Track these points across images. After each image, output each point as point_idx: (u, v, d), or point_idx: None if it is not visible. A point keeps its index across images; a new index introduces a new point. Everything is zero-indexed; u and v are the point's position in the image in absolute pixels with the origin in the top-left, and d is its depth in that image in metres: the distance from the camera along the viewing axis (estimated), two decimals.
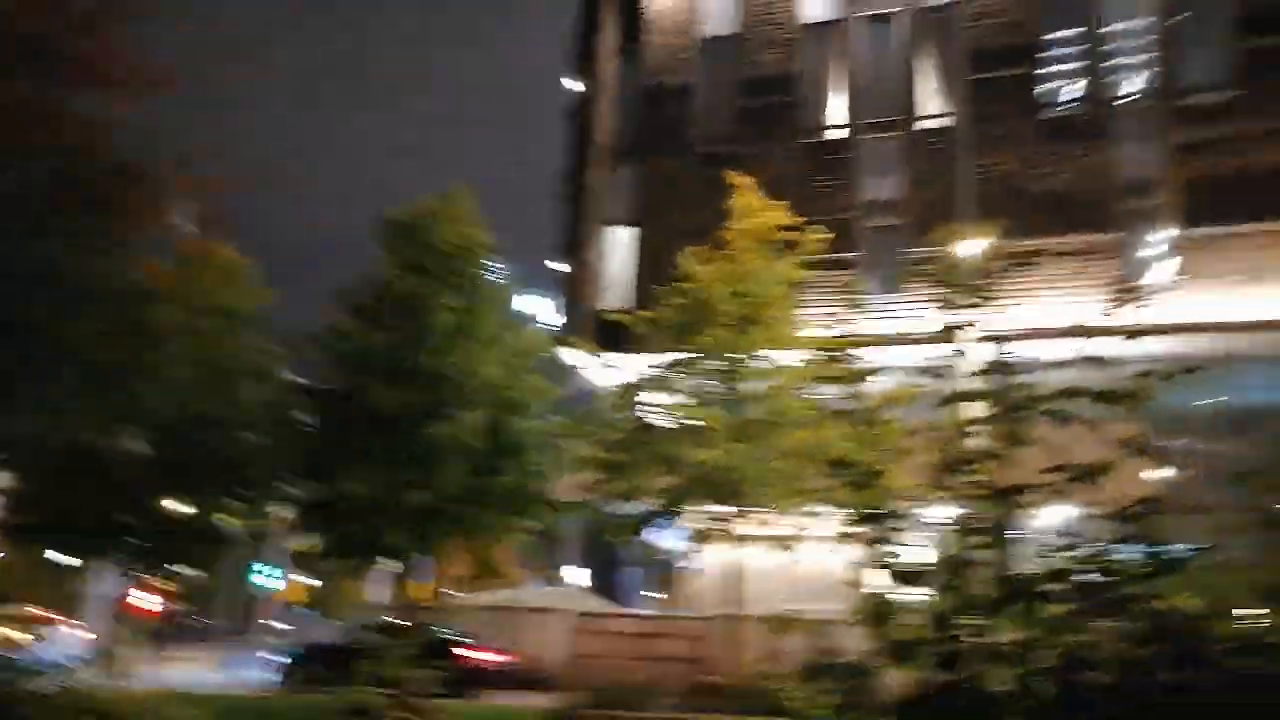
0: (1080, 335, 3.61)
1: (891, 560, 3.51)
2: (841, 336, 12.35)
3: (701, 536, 12.47)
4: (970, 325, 4.29)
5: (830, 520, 12.22)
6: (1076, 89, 25.78)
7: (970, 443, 3.95)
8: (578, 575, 47.08)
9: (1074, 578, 3.32)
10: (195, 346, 14.51)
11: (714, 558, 12.42)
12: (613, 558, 31.28)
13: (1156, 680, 3.02)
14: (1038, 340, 11.97)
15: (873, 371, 4.19)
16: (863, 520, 3.63)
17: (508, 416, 12.43)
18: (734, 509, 12.13)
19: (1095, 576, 3.32)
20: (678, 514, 12.32)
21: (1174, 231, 23.35)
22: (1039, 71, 26.10)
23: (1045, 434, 3.73)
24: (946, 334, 4.30)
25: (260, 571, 43.31)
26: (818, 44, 28.45)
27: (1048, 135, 26.10)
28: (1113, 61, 24.97)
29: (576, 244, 30.75)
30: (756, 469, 11.13)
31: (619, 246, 30.71)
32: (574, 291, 29.53)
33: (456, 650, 17.30)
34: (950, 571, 3.42)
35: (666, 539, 14.88)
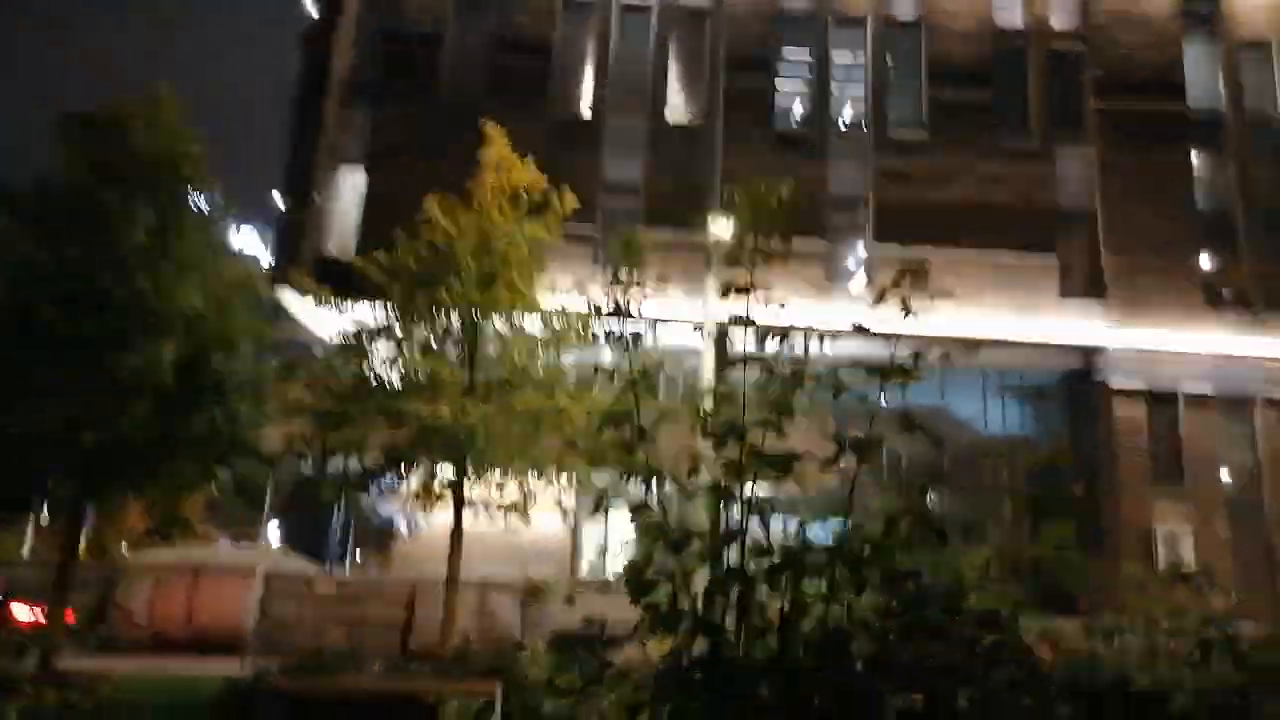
0: (794, 332, 3.58)
1: (658, 526, 3.27)
2: (585, 311, 12.29)
3: (421, 498, 11.83)
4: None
5: (557, 487, 12.16)
6: (803, 109, 27.97)
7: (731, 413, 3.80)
8: (279, 534, 44.04)
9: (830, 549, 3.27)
10: None
11: (431, 520, 11.84)
12: (320, 516, 29.45)
13: (908, 651, 3.04)
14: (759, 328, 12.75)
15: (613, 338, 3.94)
16: (631, 482, 3.36)
17: (209, 353, 10.92)
18: (459, 470, 11.60)
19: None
20: (398, 473, 11.57)
21: (869, 246, 26.19)
22: (776, 88, 28.09)
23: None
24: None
25: None
26: (577, 19, 28.39)
27: (779, 145, 28.08)
28: (834, 88, 27.42)
29: (303, 180, 28.40)
30: (489, 429, 10.68)
31: (349, 189, 28.85)
32: (296, 230, 27.27)
33: None
34: (714, 540, 3.25)
35: (382, 498, 14.01)
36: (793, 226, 4.00)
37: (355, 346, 11.47)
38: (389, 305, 11.60)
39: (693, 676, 2.99)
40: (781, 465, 3.36)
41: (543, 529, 13.71)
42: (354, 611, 20.45)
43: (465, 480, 11.63)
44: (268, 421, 11.78)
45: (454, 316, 11.17)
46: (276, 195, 29.05)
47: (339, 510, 33.29)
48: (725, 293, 3.64)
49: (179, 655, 18.92)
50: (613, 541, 27.33)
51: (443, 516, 12.28)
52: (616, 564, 27.55)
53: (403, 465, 11.35)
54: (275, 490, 42.52)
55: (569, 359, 12.34)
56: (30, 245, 10.43)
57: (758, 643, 3.10)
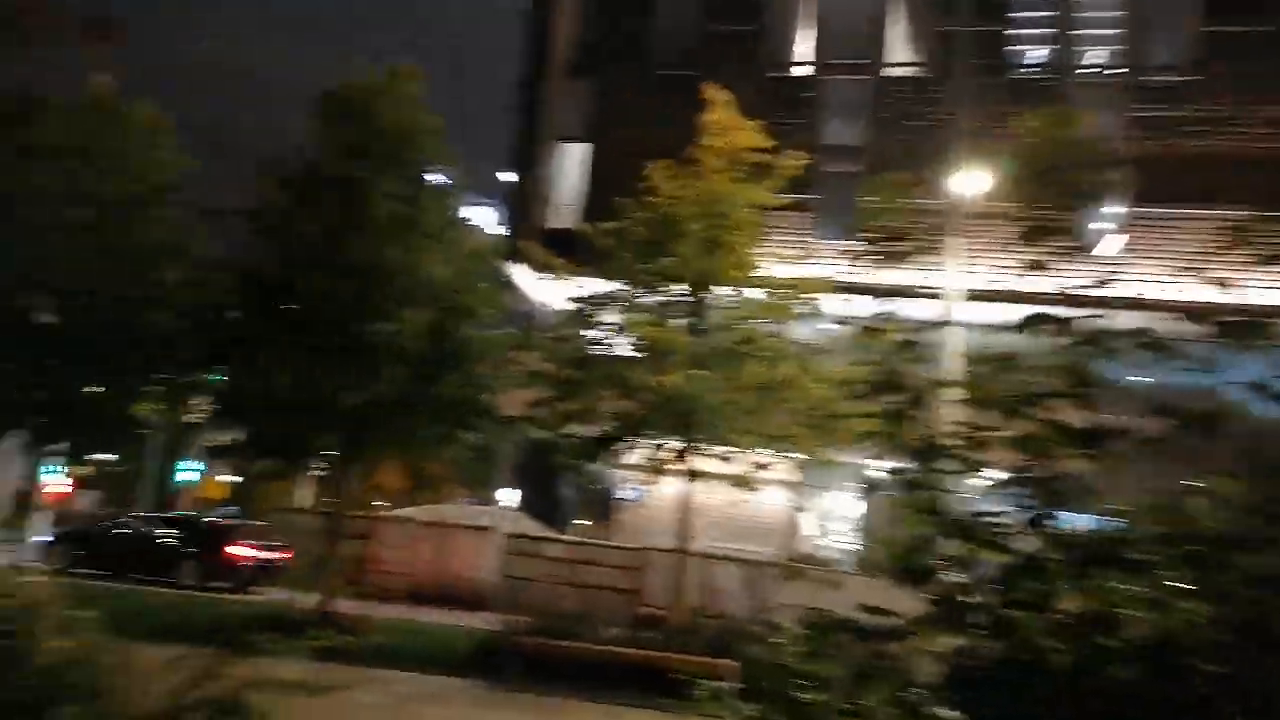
0: (1034, 300, 2.93)
1: (941, 507, 2.84)
2: (812, 278, 11.72)
3: (651, 467, 11.86)
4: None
5: (782, 460, 11.77)
6: (1042, 53, 25.27)
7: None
8: (512, 496, 46.80)
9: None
10: (103, 212, 13.19)
11: (658, 489, 11.83)
12: (551, 481, 30.84)
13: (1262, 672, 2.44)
14: (993, 301, 11.47)
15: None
16: (905, 458, 2.94)
17: (453, 321, 11.50)
18: (687, 441, 11.51)
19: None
20: (628, 441, 11.66)
21: (1122, 207, 23.33)
22: (1009, 31, 25.58)
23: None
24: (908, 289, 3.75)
25: (181, 466, 41.85)
26: None
27: (1012, 96, 25.63)
28: (1079, 31, 24.53)
29: (528, 157, 29.48)
30: (718, 400, 10.48)
31: (572, 162, 29.61)
32: (523, 205, 28.37)
33: (228, 547, 18.43)
34: (1008, 527, 2.77)
35: (612, 466, 14.25)
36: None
37: (584, 315, 11.64)
38: (615, 274, 11.67)
39: (989, 680, 2.56)
40: (1089, 440, 2.82)
41: (764, 504, 13.38)
42: (585, 575, 21.13)
43: (693, 451, 11.52)
44: (505, 388, 12.26)
45: (680, 284, 11.04)
46: (502, 173, 30.37)
47: (568, 477, 34.96)
48: (1033, 266, 3.13)
49: (430, 606, 20.46)
50: (836, 519, 26.56)
51: (666, 487, 12.28)
52: (841, 543, 26.76)
53: (632, 434, 11.43)
54: (510, 454, 45.16)
55: (797, 328, 11.91)
56: (299, 219, 11.39)
57: (1059, 646, 2.62)
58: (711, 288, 11.10)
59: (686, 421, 10.99)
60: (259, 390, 11.19)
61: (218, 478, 37.58)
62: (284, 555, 20.10)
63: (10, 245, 11.89)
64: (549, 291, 16.66)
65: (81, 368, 12.72)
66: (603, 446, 11.59)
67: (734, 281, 11.33)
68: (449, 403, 11.40)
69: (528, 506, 30.94)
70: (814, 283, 11.55)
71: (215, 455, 14.66)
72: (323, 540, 22.11)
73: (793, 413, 11.04)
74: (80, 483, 54.01)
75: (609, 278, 11.61)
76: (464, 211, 17.41)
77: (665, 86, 24.39)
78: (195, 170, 13.79)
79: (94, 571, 16.40)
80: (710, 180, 11.58)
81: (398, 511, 24.83)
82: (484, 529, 21.80)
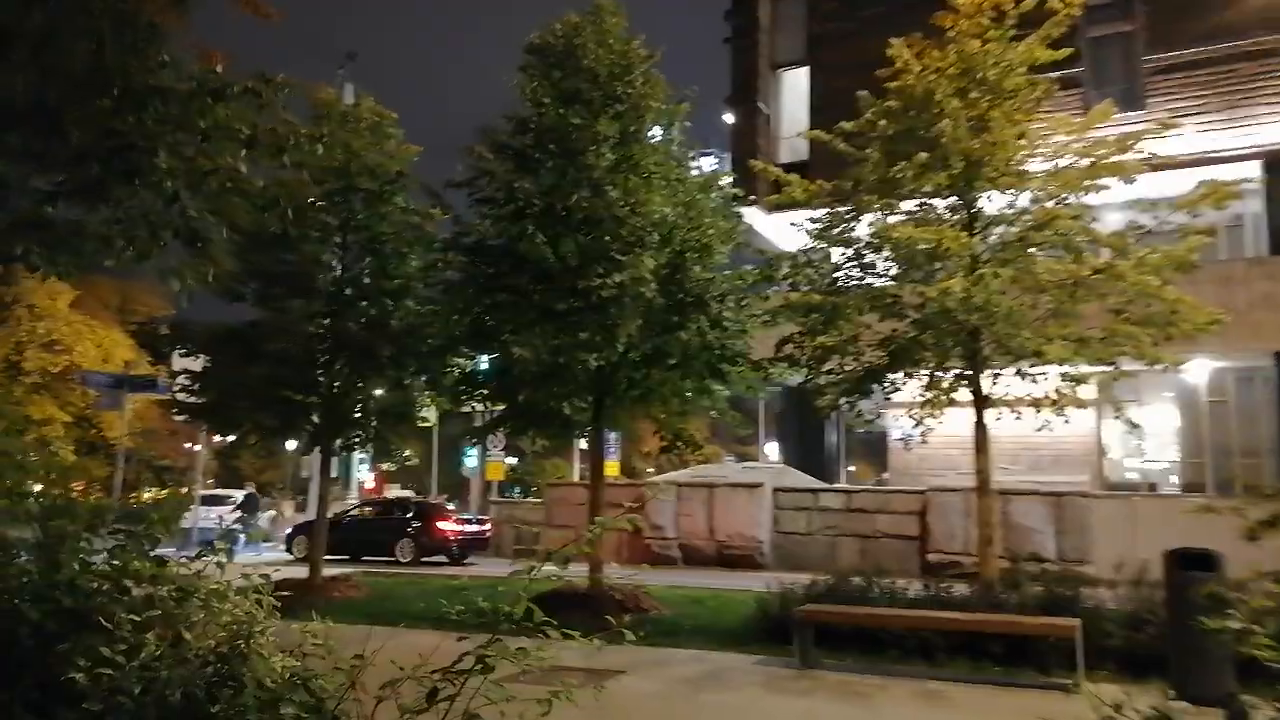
0: None
1: None
2: (1110, 144, 9.30)
3: (927, 400, 10.10)
4: None
5: (1096, 373, 9.54)
6: None
7: None
8: (775, 449, 45.68)
9: None
10: (344, 212, 13.35)
11: (937, 425, 10.07)
12: (815, 429, 29.31)
13: None
14: None
15: None
16: None
17: (687, 262, 10.37)
18: (973, 363, 9.62)
19: None
20: (898, 373, 9.97)
21: None
22: None
23: None
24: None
25: (465, 452, 44.82)
26: None
27: None
28: None
29: (747, 88, 27.82)
30: (1008, 306, 8.53)
31: (795, 91, 27.58)
32: (747, 144, 26.80)
33: (431, 523, 21.55)
34: None
35: (880, 405, 12.50)
36: None
37: (832, 233, 10.02)
38: (864, 182, 9.93)
39: None
40: None
41: (1065, 427, 11.17)
42: (862, 524, 19.65)
43: (981, 373, 9.62)
44: (754, 328, 10.98)
45: (944, 174, 9.10)
46: (723, 114, 28.95)
47: (832, 422, 33.06)
48: None
49: (705, 568, 19.90)
50: (1149, 436, 22.97)
51: (946, 422, 10.39)
52: (1155, 464, 23.10)
53: (903, 364, 9.71)
54: (767, 406, 43.96)
55: (1101, 208, 9.58)
56: (512, 176, 10.74)
57: None
58: (986, 174, 9.05)
59: (973, 337, 9.11)
60: (501, 367, 10.75)
61: (496, 460, 39.81)
62: (486, 529, 22.96)
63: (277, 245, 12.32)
64: (784, 226, 15.15)
65: (353, 366, 12.95)
66: (869, 382, 9.97)
67: (1012, 162, 9.22)
68: (694, 352, 10.29)
69: (793, 458, 29.65)
70: (1114, 151, 9.18)
71: (477, 436, 14.57)
72: (589, 512, 22.25)
73: (1111, 310, 8.83)
74: (384, 478, 59.98)
75: (856, 188, 9.91)
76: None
77: None
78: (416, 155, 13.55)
79: (332, 557, 18.01)
80: (968, 44, 9.51)
81: (662, 476, 24.54)
82: (751, 486, 20.82)
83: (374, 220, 13.45)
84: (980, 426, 9.90)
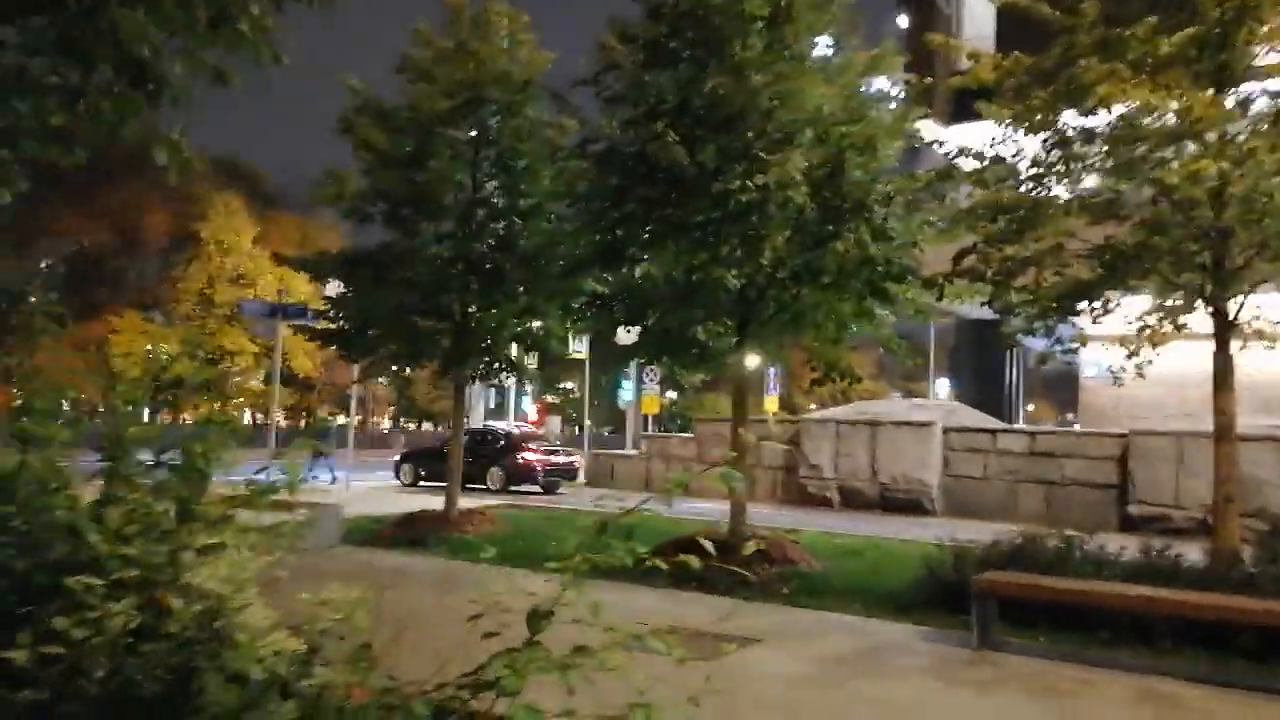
0: None
1: None
2: None
3: (1150, 326, 8.13)
4: None
5: None
6: None
7: None
8: (945, 387, 42.78)
9: None
10: (475, 126, 12.46)
11: (1156, 356, 8.11)
12: (995, 363, 26.78)
13: None
14: None
15: None
16: None
17: (847, 163, 8.73)
18: (1214, 277, 7.56)
19: None
20: (1114, 289, 8.02)
21: None
22: None
23: None
24: None
25: (622, 385, 44.55)
26: None
27: None
28: None
29: (920, 16, 24.97)
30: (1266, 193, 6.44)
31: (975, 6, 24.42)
32: (920, 61, 24.06)
33: (519, 453, 21.84)
34: None
35: (1078, 332, 10.40)
36: None
37: (1036, 119, 8.01)
38: (1074, 52, 7.88)
39: None
40: None
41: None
42: (1049, 469, 17.46)
43: (1228, 291, 7.55)
44: (926, 239, 9.25)
45: (1194, 29, 6.96)
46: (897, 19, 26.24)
47: (1011, 357, 30.15)
48: None
49: (865, 512, 18.39)
50: None
51: (1161, 354, 8.35)
52: None
53: (1124, 277, 7.76)
54: (938, 339, 40.94)
55: None
56: (643, 70, 9.39)
57: None
58: (1253, 25, 6.86)
59: (1223, 240, 7.06)
60: (631, 287, 9.59)
61: (652, 394, 39.20)
62: (572, 460, 23.42)
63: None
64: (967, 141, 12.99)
65: (484, 290, 12.20)
66: (1076, 300, 8.07)
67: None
68: (853, 267, 8.72)
69: (967, 397, 27.26)
70: None
71: (612, 366, 13.57)
72: (738, 447, 21.03)
73: None
74: (546, 408, 61.18)
75: (1067, 57, 7.88)
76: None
77: None
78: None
79: (431, 484, 20.31)
80: None
81: (821, 412, 22.95)
82: (920, 424, 18.94)
83: (505, 134, 12.52)
84: (1224, 357, 7.85)
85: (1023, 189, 8.01)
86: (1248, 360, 8.25)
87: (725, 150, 8.63)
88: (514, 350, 13.15)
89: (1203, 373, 8.26)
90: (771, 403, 45.72)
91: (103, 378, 36.29)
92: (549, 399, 67.20)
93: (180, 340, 38.53)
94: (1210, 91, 6.96)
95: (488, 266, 12.33)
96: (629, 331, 11.00)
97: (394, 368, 12.71)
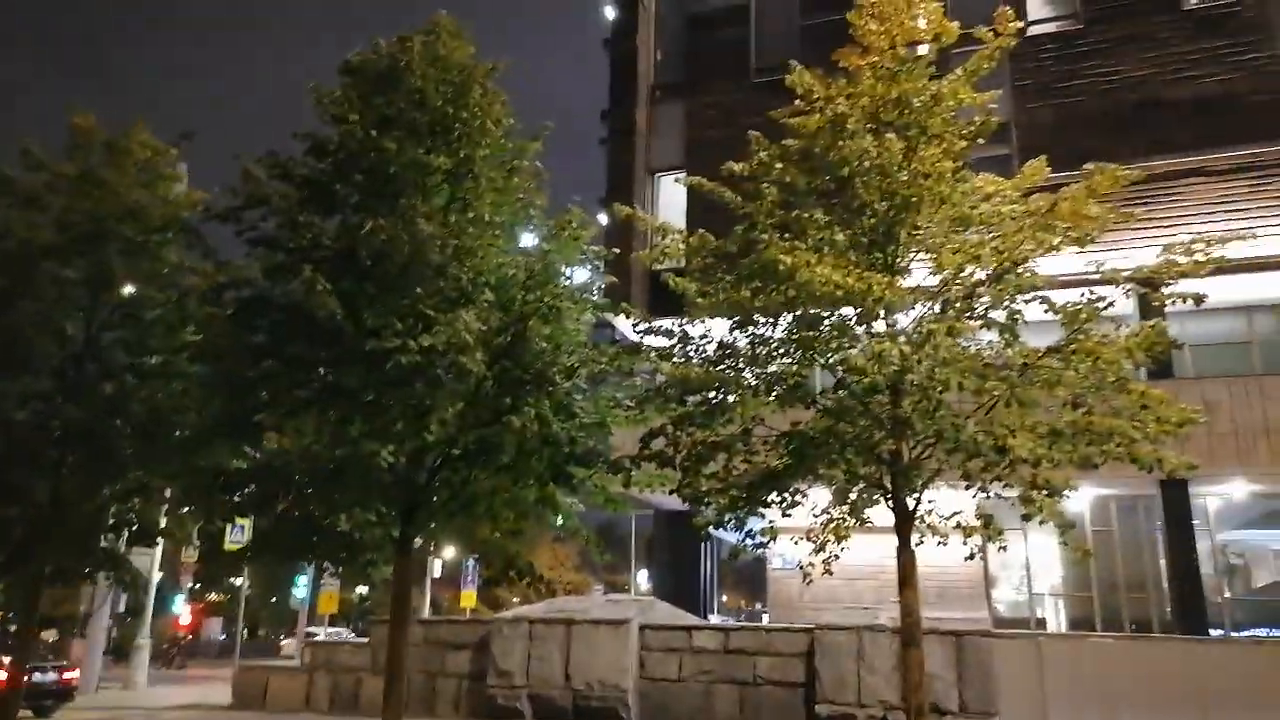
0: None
1: None
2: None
3: (835, 517, 7.76)
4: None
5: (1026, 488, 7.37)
6: None
7: None
8: (645, 579, 42.62)
9: None
10: (94, 266, 10.27)
11: (841, 550, 7.74)
12: (686, 555, 26.72)
13: None
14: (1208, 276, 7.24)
15: None
16: None
17: (529, 330, 7.82)
18: (893, 471, 7.37)
19: None
20: (800, 479, 7.59)
21: None
22: None
23: None
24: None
25: (295, 581, 39.53)
26: None
27: (1191, 32, 21.47)
28: None
29: (621, 190, 26.40)
30: (957, 382, 6.32)
31: (669, 197, 26.36)
32: (619, 244, 25.14)
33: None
34: None
35: (764, 529, 9.95)
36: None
37: (722, 284, 7.63)
38: (757, 229, 7.74)
39: None
40: None
41: (943, 557, 9.05)
42: (741, 668, 16.90)
43: (908, 481, 7.35)
44: (614, 421, 8.43)
45: (864, 220, 7.02)
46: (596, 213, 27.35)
47: (707, 548, 30.61)
48: None
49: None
50: (1039, 571, 21.67)
51: (848, 548, 8.05)
52: (1046, 596, 21.66)
53: (809, 465, 7.34)
54: (638, 529, 41.05)
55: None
56: (302, 212, 8.04)
57: None
58: (916, 219, 7.02)
59: (901, 429, 6.85)
60: (263, 465, 7.71)
61: (330, 590, 34.95)
62: (66, 677, 19.18)
63: None
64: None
65: (86, 465, 9.58)
66: (764, 491, 7.50)
67: (945, 205, 7.25)
68: (533, 446, 7.61)
69: (665, 589, 26.84)
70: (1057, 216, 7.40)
71: (229, 568, 11.17)
72: (424, 653, 18.48)
73: (1068, 403, 6.78)
74: (205, 609, 53.00)
75: (749, 236, 7.70)
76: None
77: (771, 97, 21.07)
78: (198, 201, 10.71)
79: None
80: (876, 72, 7.68)
81: (514, 611, 21.19)
82: (615, 622, 17.81)
83: (136, 277, 10.42)
84: (907, 554, 7.55)
85: (714, 362, 7.50)
86: (923, 552, 8.06)
87: (389, 306, 7.37)
88: (118, 541, 10.38)
89: (873, 565, 7.95)
90: (469, 597, 42.82)
91: None
92: (210, 597, 58.54)
93: None
94: (887, 277, 6.96)
95: (91, 436, 9.80)
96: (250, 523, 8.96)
97: None
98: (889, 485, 7.48)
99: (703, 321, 8.12)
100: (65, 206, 10.24)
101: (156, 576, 29.43)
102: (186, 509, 9.24)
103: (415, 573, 9.26)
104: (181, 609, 46.22)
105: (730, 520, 7.42)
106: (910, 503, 7.60)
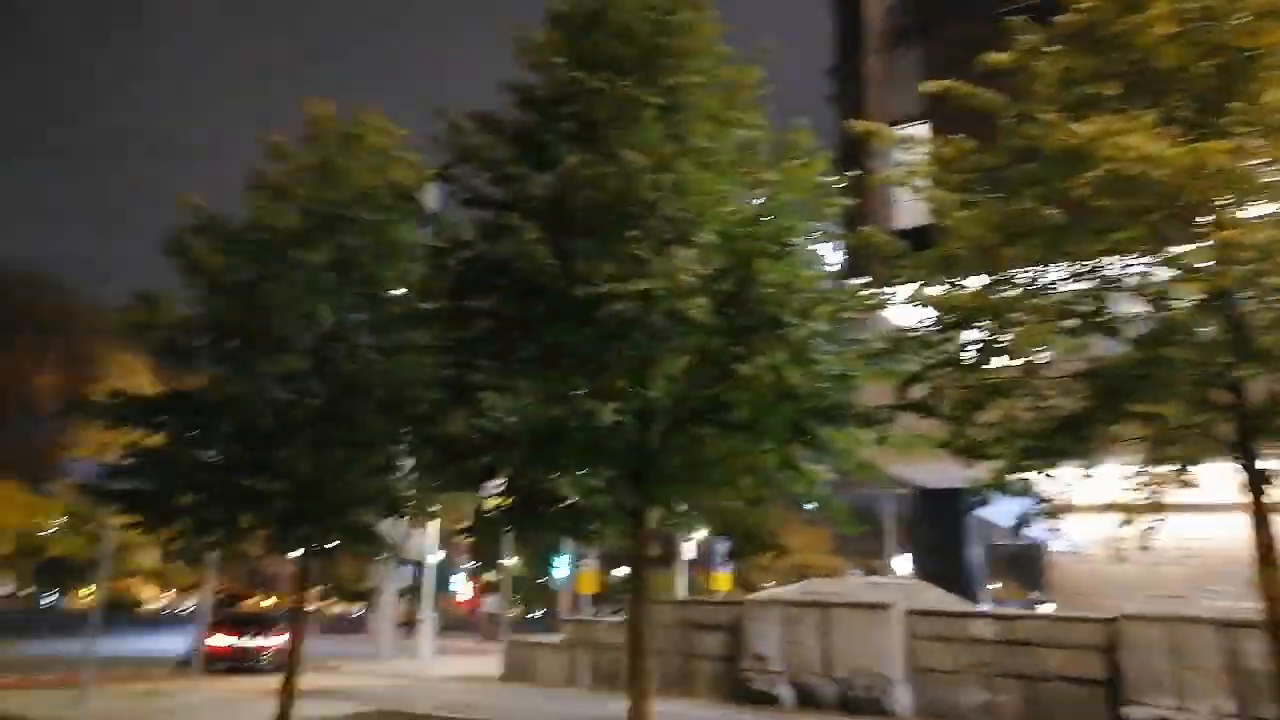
0: None
1: None
2: None
3: (1152, 482, 6.09)
4: None
5: None
6: None
7: None
8: (905, 564, 40.20)
9: None
10: (337, 250, 10.57)
11: (1159, 523, 6.06)
12: (949, 534, 24.54)
13: None
14: None
15: None
16: None
17: (756, 269, 6.84)
18: (1239, 419, 5.63)
19: None
20: (1111, 423, 6.01)
21: None
22: None
23: None
24: None
25: (553, 561, 41.09)
26: None
27: None
28: None
29: (852, 152, 24.57)
30: None
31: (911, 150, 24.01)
32: (853, 211, 23.30)
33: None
34: None
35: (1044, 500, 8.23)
36: None
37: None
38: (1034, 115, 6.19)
39: None
40: None
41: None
42: (1028, 661, 14.92)
43: (1266, 430, 5.58)
44: (864, 371, 7.24)
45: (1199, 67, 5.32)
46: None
47: (973, 526, 28.00)
48: None
49: (821, 713, 15.52)
50: None
51: (1165, 520, 6.30)
52: None
53: (1120, 406, 5.76)
54: (897, 507, 38.70)
55: None
56: (515, 166, 7.59)
57: None
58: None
59: (1254, 356, 5.14)
60: (483, 431, 7.34)
61: (589, 569, 35.92)
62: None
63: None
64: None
65: (336, 441, 9.92)
66: (1065, 440, 6.01)
67: None
68: (769, 401, 6.64)
69: (928, 573, 24.82)
70: None
71: (481, 538, 11.12)
72: (678, 634, 18.04)
73: None
74: (484, 588, 56.87)
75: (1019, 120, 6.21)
76: None
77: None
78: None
79: None
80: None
81: (765, 593, 20.32)
82: (877, 606, 16.41)
83: (369, 259, 10.63)
84: (1261, 519, 5.78)
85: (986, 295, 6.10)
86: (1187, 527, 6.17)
87: (600, 250, 6.71)
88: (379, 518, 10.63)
89: (1178, 548, 6.20)
90: (723, 580, 42.45)
91: None
92: (487, 577, 62.69)
93: (65, 512, 34.83)
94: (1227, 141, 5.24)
95: (340, 414, 10.07)
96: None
97: (210, 541, 10.06)
98: (1230, 435, 5.75)
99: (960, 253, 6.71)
100: (307, 195, 10.61)
101: (436, 556, 31.70)
102: (426, 483, 9.18)
103: (664, 552, 8.58)
104: (461, 587, 49.89)
105: (1016, 483, 6.00)
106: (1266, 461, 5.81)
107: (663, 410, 6.89)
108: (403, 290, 10.46)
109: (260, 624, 23.76)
